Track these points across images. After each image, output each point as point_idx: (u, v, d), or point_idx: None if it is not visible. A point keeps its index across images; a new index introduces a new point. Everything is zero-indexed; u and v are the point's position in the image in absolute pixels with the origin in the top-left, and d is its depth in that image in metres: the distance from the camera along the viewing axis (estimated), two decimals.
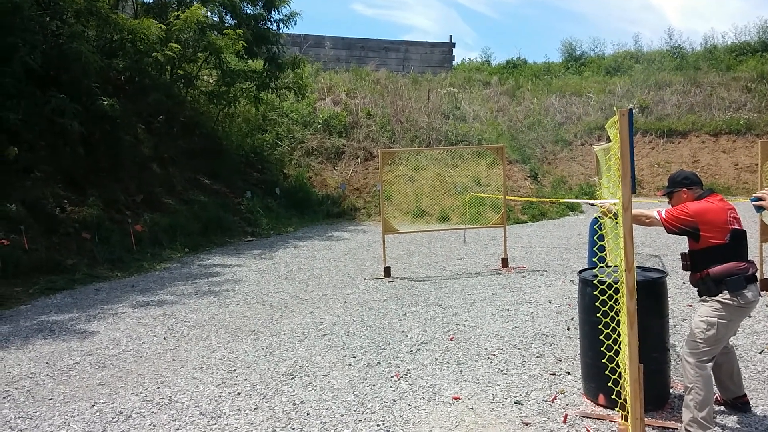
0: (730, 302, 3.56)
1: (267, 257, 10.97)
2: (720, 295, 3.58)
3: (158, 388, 4.76)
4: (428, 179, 16.84)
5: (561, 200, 15.44)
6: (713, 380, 3.53)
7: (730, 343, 3.90)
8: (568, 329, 5.99)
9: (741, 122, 21.46)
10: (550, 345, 5.52)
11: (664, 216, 3.71)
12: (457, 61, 30.08)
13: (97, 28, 12.16)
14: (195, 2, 13.60)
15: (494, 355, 5.27)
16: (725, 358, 3.87)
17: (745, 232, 3.69)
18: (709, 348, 3.57)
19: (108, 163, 11.87)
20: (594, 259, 4.48)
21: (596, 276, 4.03)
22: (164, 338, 6.15)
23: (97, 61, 11.30)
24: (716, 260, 3.61)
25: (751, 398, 4.08)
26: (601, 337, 3.71)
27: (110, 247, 10.19)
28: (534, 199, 15.74)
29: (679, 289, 7.49)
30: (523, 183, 18.18)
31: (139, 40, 12.02)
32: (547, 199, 16.10)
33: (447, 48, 28.06)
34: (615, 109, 3.03)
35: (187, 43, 13.24)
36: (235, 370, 5.11)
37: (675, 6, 72.81)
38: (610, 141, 3.88)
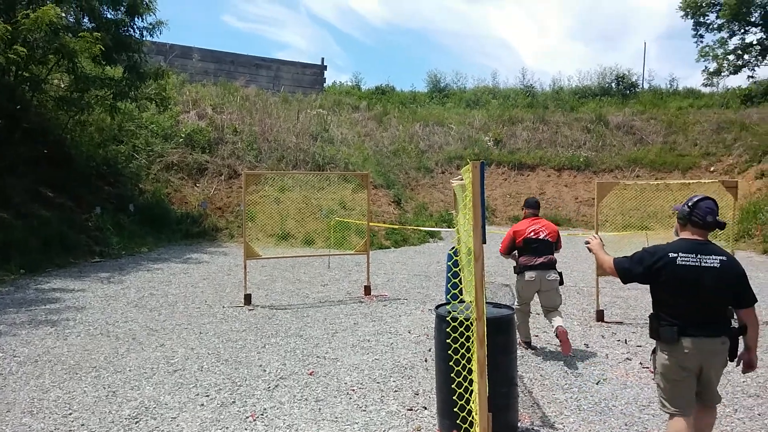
0: (518, 279, 6.54)
1: (116, 281, 10.19)
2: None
3: None
4: (294, 201, 16.69)
5: (421, 228, 15.99)
6: (524, 317, 6.62)
7: (556, 311, 6.43)
8: (426, 360, 6.14)
9: (581, 159, 23.69)
10: (409, 378, 5.62)
11: (501, 248, 6.71)
12: (329, 82, 30.40)
13: None
14: (48, 2, 12.44)
15: (353, 390, 5.25)
16: (547, 316, 6.55)
17: (538, 239, 6.38)
18: (518, 299, 6.60)
19: None
20: (448, 297, 4.66)
21: (450, 313, 4.16)
22: None
23: None
24: (520, 255, 6.50)
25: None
26: (452, 375, 3.82)
27: None
28: (397, 226, 16.15)
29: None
30: (387, 208, 18.61)
31: None
32: (410, 227, 16.60)
33: (318, 70, 28.23)
34: (470, 154, 3.17)
35: (36, 44, 12.07)
36: (71, 414, 4.63)
37: (528, 47, 79.30)
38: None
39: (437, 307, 4.70)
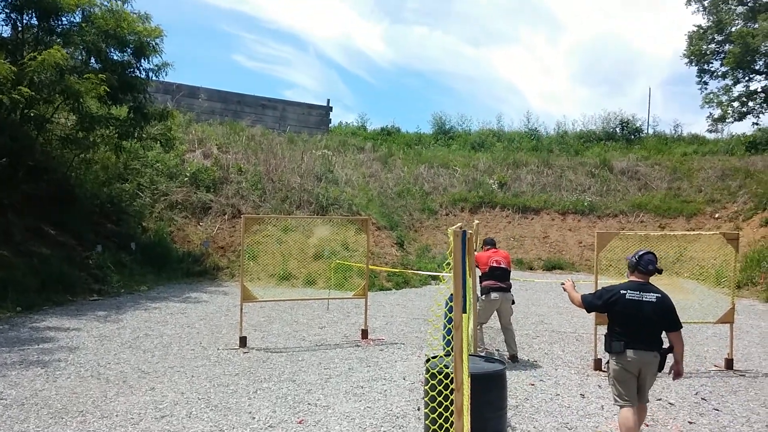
0: (483, 299, 8.02)
1: (112, 320, 10.11)
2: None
3: None
4: (296, 241, 16.66)
5: (421, 272, 15.91)
6: (481, 333, 8.51)
7: (511, 326, 8.23)
8: (419, 409, 6.01)
9: (585, 204, 23.63)
10: (400, 428, 5.49)
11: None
12: (334, 122, 30.70)
13: None
14: (55, 43, 12.72)
15: None
16: (504, 332, 8.19)
17: (500, 267, 8.06)
18: (479, 317, 7.79)
19: None
20: (448, 348, 4.57)
21: (442, 370, 4.08)
22: None
23: None
24: (483, 279, 8.03)
25: None
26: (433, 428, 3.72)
27: None
28: (397, 270, 16.06)
29: (525, 368, 7.85)
30: (390, 249, 18.54)
31: None
32: (410, 270, 16.49)
33: (324, 111, 28.59)
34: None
35: (41, 85, 12.30)
36: None
37: (534, 90, 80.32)
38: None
39: (427, 360, 4.62)
